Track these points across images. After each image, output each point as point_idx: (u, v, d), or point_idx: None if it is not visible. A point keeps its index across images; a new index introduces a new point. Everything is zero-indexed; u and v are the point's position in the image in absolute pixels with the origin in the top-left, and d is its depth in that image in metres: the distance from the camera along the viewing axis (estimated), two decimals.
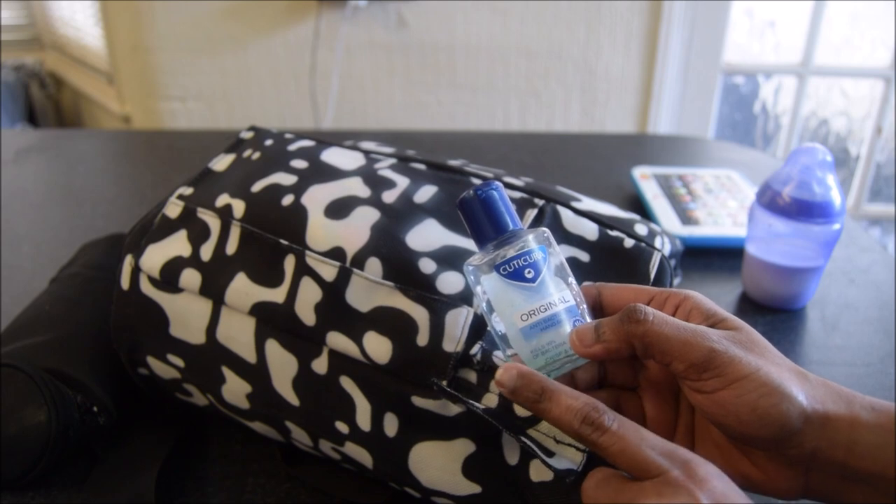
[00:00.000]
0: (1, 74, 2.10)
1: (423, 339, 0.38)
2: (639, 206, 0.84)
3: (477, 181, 0.46)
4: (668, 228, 0.74)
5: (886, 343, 0.61)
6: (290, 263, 0.41)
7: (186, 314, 0.43)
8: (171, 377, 0.45)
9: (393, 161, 0.48)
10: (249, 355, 0.41)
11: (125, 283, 0.44)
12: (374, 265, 0.40)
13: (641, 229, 0.45)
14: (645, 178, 0.87)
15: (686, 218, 0.76)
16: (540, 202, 0.45)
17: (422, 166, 0.48)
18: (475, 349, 0.37)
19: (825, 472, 0.31)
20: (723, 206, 0.79)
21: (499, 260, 0.34)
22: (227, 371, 0.43)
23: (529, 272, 0.34)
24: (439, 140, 1.09)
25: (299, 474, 0.45)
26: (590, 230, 0.44)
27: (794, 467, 0.31)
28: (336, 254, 0.40)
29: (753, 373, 0.30)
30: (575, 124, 1.80)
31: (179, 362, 0.44)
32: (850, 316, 0.64)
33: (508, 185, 0.46)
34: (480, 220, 0.36)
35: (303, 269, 0.40)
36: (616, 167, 0.98)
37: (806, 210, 0.58)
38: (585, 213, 0.45)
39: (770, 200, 0.60)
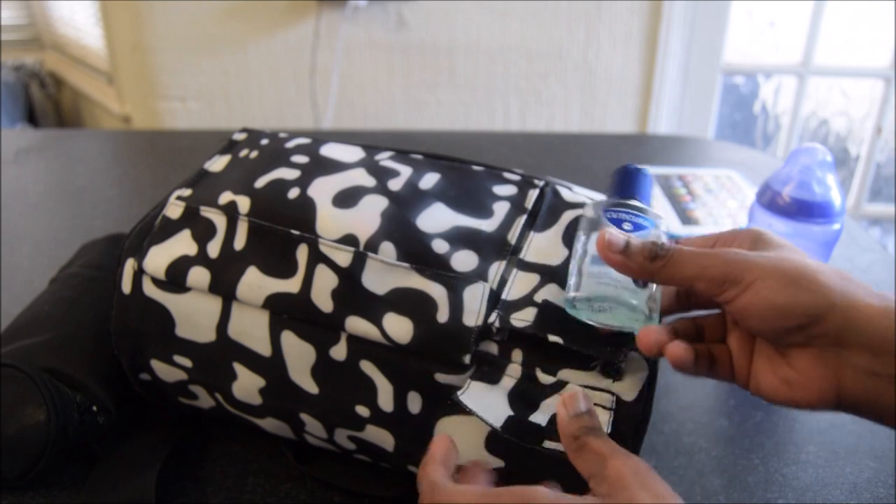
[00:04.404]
0: (1, 74, 2.10)
1: (443, 315, 0.38)
2: None
3: (477, 168, 0.48)
4: (668, 228, 0.74)
5: None
6: (302, 253, 0.41)
7: (195, 313, 0.43)
8: (175, 380, 0.45)
9: (391, 153, 0.49)
10: (264, 349, 0.41)
11: (127, 287, 0.44)
12: (387, 248, 0.40)
13: None
14: None
15: (686, 218, 0.76)
16: (540, 182, 0.47)
17: (419, 156, 0.48)
18: (493, 317, 0.38)
19: (854, 364, 0.31)
20: (723, 206, 0.79)
21: (612, 206, 0.40)
22: (238, 367, 0.43)
23: (628, 226, 0.38)
24: (439, 140, 1.09)
25: (310, 471, 0.46)
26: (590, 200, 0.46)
27: (826, 363, 0.32)
28: (349, 240, 0.41)
29: (765, 274, 0.32)
30: (575, 124, 1.80)
31: (186, 362, 0.44)
32: None
33: (506, 179, 0.47)
34: (628, 185, 0.42)
35: (317, 257, 0.40)
36: (616, 167, 0.98)
37: (806, 210, 0.58)
38: (582, 193, 0.47)
39: (770, 200, 0.60)
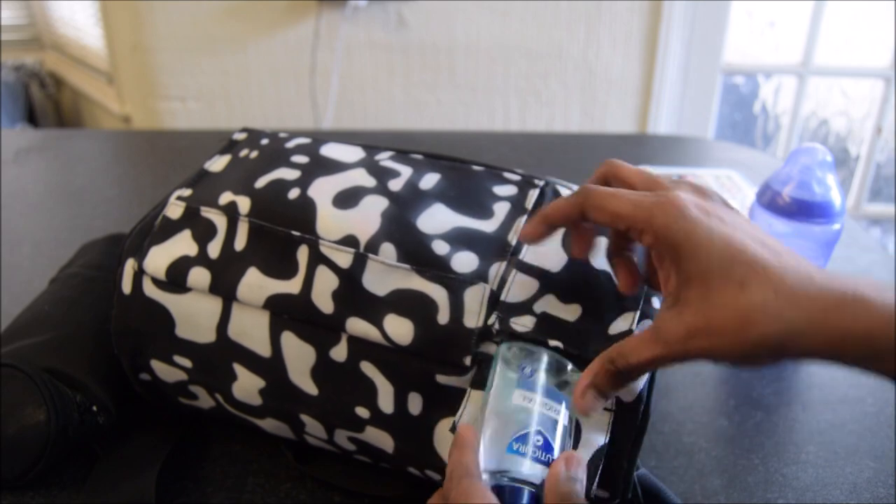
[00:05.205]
0: (1, 74, 2.10)
1: (443, 317, 0.38)
2: None
3: (478, 168, 0.48)
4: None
5: None
6: (303, 254, 0.41)
7: (195, 313, 0.43)
8: (176, 380, 0.45)
9: (392, 153, 0.49)
10: (264, 349, 0.42)
11: (127, 287, 0.44)
12: (388, 250, 0.40)
13: None
14: None
15: None
16: (540, 182, 0.46)
17: (419, 156, 0.49)
18: (492, 319, 0.38)
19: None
20: None
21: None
22: (238, 367, 0.43)
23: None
24: (439, 140, 1.09)
25: (310, 471, 0.46)
26: None
27: None
28: (349, 241, 0.41)
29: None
30: (575, 124, 1.80)
31: (186, 363, 0.44)
32: None
33: (507, 179, 0.47)
34: None
35: (317, 259, 0.41)
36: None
37: (806, 210, 0.58)
38: None
39: (770, 200, 0.60)
